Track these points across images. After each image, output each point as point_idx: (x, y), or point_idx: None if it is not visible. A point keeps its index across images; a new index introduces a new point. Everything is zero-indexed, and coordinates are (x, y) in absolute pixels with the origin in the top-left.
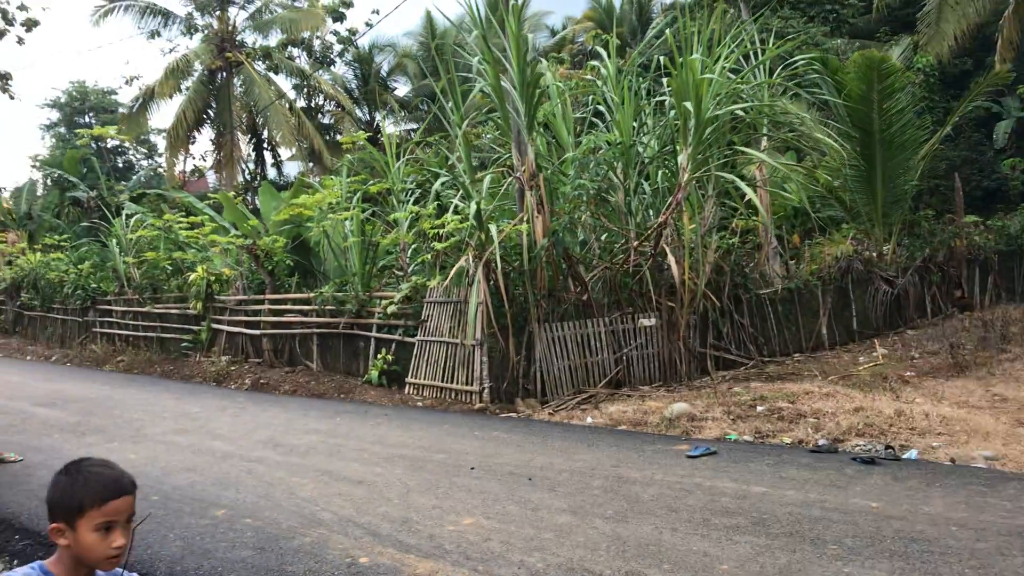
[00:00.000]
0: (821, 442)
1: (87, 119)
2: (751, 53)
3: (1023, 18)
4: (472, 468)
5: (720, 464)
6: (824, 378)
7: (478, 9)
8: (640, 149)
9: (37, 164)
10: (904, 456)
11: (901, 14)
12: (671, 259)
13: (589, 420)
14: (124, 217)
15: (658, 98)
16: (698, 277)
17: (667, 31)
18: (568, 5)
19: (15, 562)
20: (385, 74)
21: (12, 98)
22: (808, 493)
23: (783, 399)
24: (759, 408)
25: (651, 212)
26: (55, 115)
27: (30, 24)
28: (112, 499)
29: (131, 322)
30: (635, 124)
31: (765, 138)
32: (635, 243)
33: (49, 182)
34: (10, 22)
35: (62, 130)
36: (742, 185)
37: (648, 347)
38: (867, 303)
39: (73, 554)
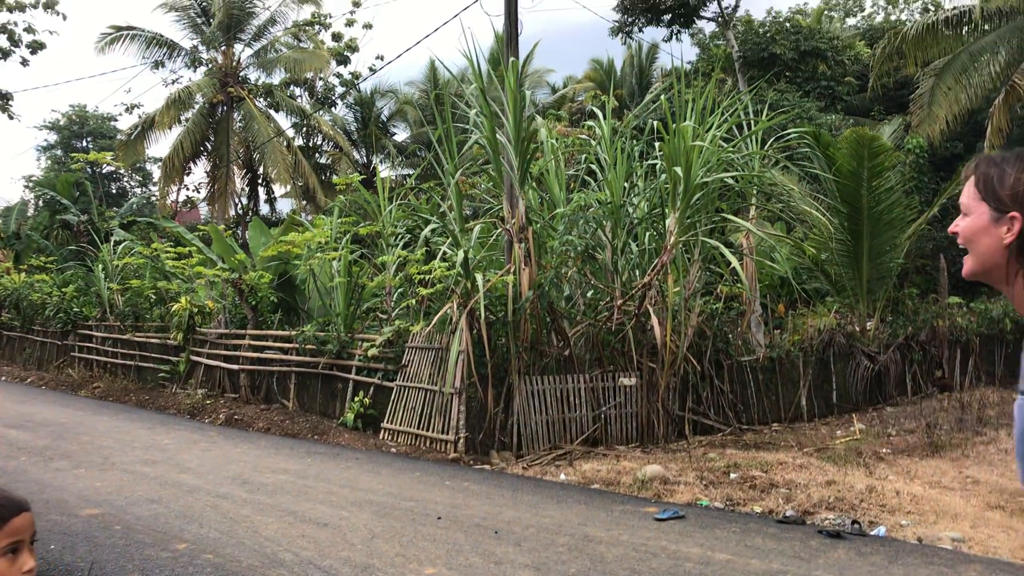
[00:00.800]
0: (789, 513)
1: (85, 143)
2: (744, 123)
3: (1012, 107)
4: (439, 518)
5: (687, 529)
6: (800, 449)
7: (478, 63)
8: (630, 210)
9: (30, 185)
10: (872, 532)
11: (896, 95)
12: (654, 320)
13: (563, 477)
14: (112, 243)
15: (650, 161)
16: (680, 340)
17: (662, 97)
18: (571, 65)
19: None
20: (385, 119)
21: (11, 118)
22: (772, 563)
23: (757, 468)
24: (732, 475)
25: (637, 272)
26: (53, 137)
27: (36, 47)
28: (12, 517)
29: (110, 348)
30: (626, 185)
31: (754, 207)
32: (620, 302)
33: (41, 203)
34: (16, 43)
35: (59, 152)
36: (727, 253)
37: (627, 406)
38: (848, 377)
39: None
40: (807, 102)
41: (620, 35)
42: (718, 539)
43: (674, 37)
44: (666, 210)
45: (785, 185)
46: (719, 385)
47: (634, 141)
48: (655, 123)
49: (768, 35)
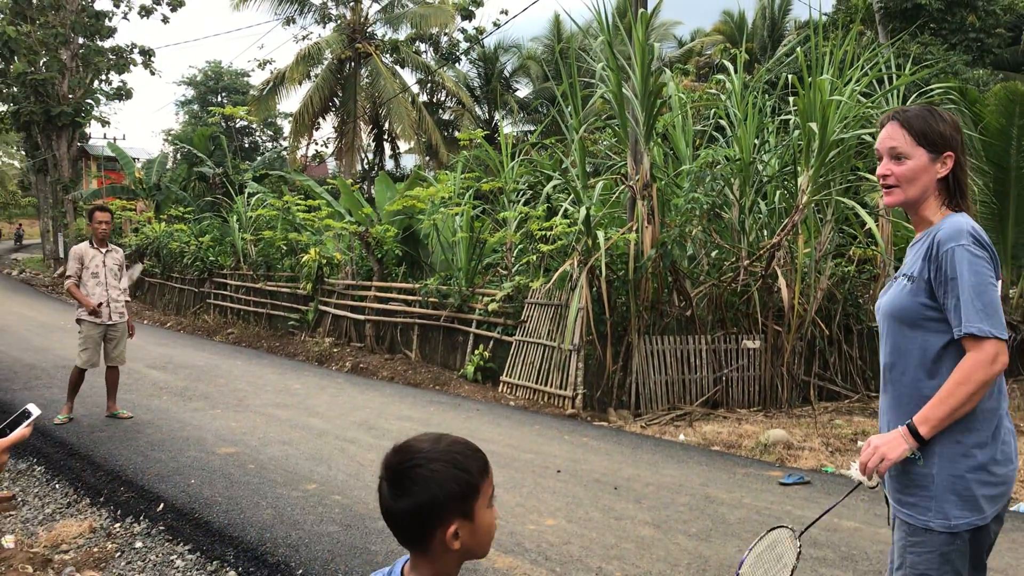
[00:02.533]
0: None
1: (219, 99)
2: (885, 77)
3: None
4: (559, 471)
5: (813, 495)
6: None
7: (606, 15)
8: (759, 167)
9: (169, 138)
10: (1012, 508)
11: None
12: (782, 282)
13: (682, 437)
14: (246, 195)
15: (782, 117)
16: (808, 303)
17: (798, 49)
18: (699, 17)
19: (125, 517)
20: (508, 75)
21: (153, 74)
22: None
23: None
24: (859, 443)
25: (765, 232)
26: (190, 92)
27: (176, 4)
28: (488, 465)
29: (243, 296)
30: (756, 141)
31: None
32: (746, 262)
33: (179, 156)
34: (158, 1)
35: (196, 107)
36: (863, 213)
37: (749, 369)
38: None
39: (459, 553)
40: (953, 55)
41: None
42: (845, 506)
43: None
44: (798, 168)
45: None
46: (847, 351)
47: (765, 96)
48: (789, 77)
49: None
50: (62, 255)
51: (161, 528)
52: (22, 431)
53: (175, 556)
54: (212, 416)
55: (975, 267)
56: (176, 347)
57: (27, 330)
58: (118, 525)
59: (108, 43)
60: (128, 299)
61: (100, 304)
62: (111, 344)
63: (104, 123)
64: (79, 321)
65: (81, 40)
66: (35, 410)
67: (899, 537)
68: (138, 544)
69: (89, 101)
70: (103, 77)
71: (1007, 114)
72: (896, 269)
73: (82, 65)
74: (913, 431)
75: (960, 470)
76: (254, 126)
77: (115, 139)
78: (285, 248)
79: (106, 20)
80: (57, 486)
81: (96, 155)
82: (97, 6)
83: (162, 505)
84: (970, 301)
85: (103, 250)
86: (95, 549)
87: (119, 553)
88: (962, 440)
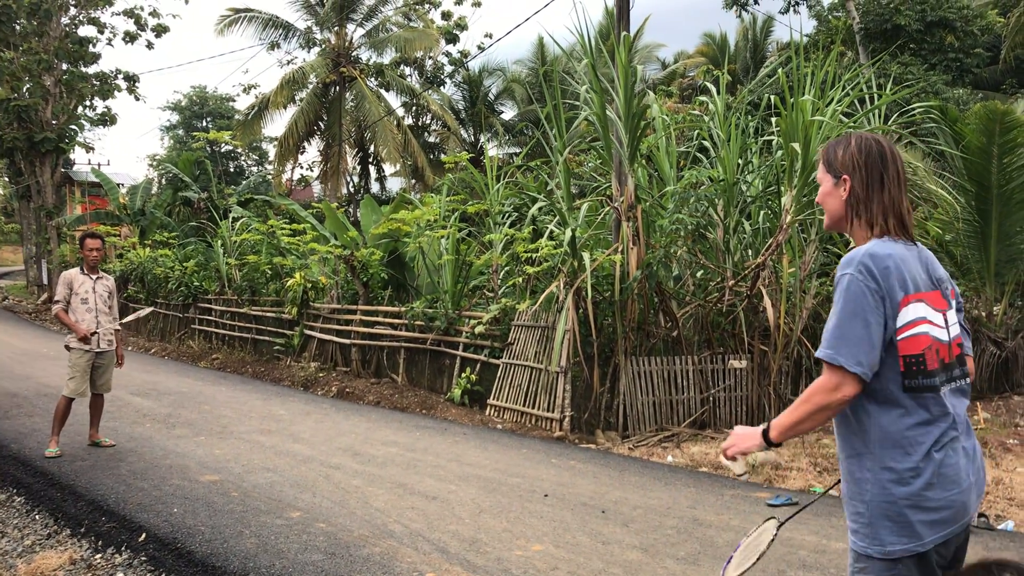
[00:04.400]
0: None
1: (204, 123)
2: (866, 97)
3: None
4: (546, 495)
5: (801, 516)
6: None
7: (589, 38)
8: (743, 187)
9: (154, 163)
10: (999, 527)
11: None
12: (767, 301)
13: (670, 459)
14: (231, 220)
15: (765, 137)
16: (794, 322)
17: (780, 70)
18: (682, 40)
19: (107, 548)
20: (492, 97)
21: (138, 99)
22: None
23: None
24: None
25: (750, 252)
26: (175, 117)
27: (160, 30)
28: None
29: (228, 322)
30: (740, 162)
31: None
32: (731, 282)
33: (164, 181)
34: (142, 27)
35: (180, 132)
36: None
37: (737, 390)
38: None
39: None
40: (933, 75)
41: (734, 7)
42: (834, 528)
43: (791, 9)
44: (782, 188)
45: (909, 162)
46: None
47: (748, 117)
48: (772, 98)
49: (891, 5)
50: (46, 282)
51: (143, 559)
52: None
53: None
54: (196, 443)
55: (851, 295)
56: (160, 373)
57: (9, 357)
58: (99, 556)
59: (92, 69)
60: (119, 328)
61: (92, 333)
62: (98, 372)
63: (88, 149)
64: (68, 348)
65: (65, 66)
66: None
67: (849, 563)
68: (119, 575)
69: (73, 127)
70: (87, 103)
71: (987, 133)
72: None
73: (66, 91)
74: (765, 432)
75: (892, 496)
76: (239, 150)
77: (99, 165)
78: (270, 272)
79: (90, 46)
80: (37, 517)
81: (80, 181)
82: (81, 32)
83: (144, 535)
84: (832, 328)
85: (93, 277)
86: None
87: None
88: (893, 466)
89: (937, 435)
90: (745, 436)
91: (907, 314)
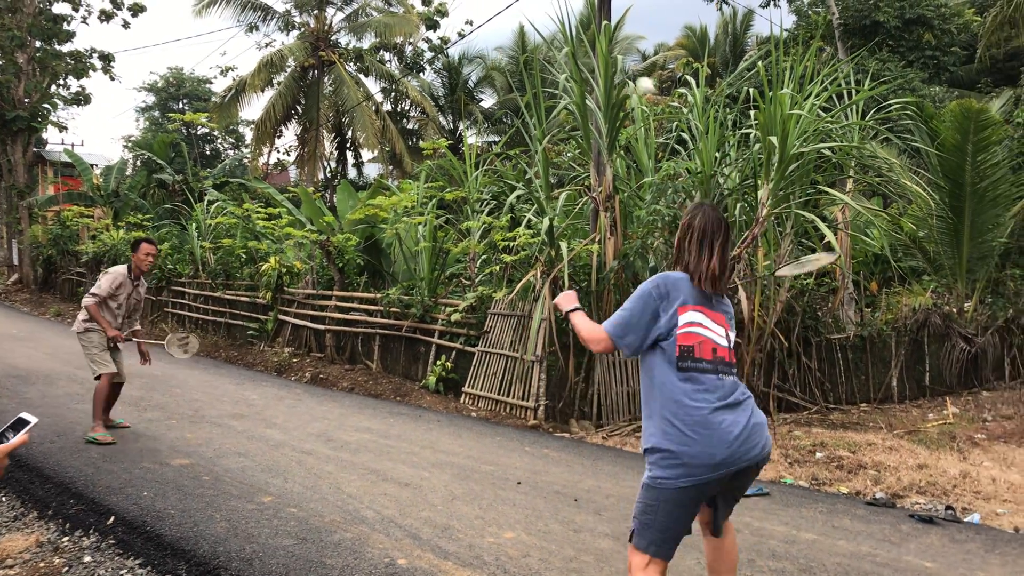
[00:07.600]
0: (879, 495)
1: (181, 105)
2: (844, 93)
3: None
4: (519, 483)
5: (771, 506)
6: (889, 431)
7: (570, 27)
8: (720, 180)
9: (129, 145)
10: (966, 519)
11: (1005, 66)
12: (742, 294)
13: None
14: (206, 203)
15: (743, 130)
16: (768, 315)
17: (759, 64)
18: (662, 32)
19: (74, 530)
20: (472, 85)
21: (113, 79)
22: (860, 545)
23: (844, 448)
24: (818, 455)
25: None
26: (151, 99)
27: (136, 9)
28: None
29: (202, 305)
30: (717, 155)
31: (851, 180)
32: None
33: (138, 163)
34: (118, 6)
35: (156, 114)
36: (822, 226)
37: None
38: (942, 359)
39: None
40: (910, 72)
41: (715, 1)
42: (804, 518)
43: (771, 3)
44: (758, 181)
45: (885, 158)
46: (807, 362)
47: (727, 110)
48: (751, 91)
49: (871, 2)
50: (15, 262)
51: (111, 542)
52: (22, 437)
53: (125, 571)
54: (167, 427)
55: (637, 293)
56: (132, 356)
57: None
58: (66, 539)
59: (66, 47)
60: (138, 328)
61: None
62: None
63: (62, 128)
64: (86, 331)
65: (38, 44)
66: (31, 418)
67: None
68: (87, 558)
69: (46, 106)
70: (61, 81)
71: (962, 131)
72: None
73: (39, 69)
74: (573, 311)
75: (647, 443)
76: (215, 133)
77: (73, 145)
78: (245, 256)
79: (64, 24)
80: (3, 499)
81: (53, 161)
82: (55, 9)
83: (113, 518)
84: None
85: (136, 282)
86: (41, 564)
87: (67, 568)
88: (645, 425)
89: (661, 405)
90: (567, 300)
91: (685, 317)
